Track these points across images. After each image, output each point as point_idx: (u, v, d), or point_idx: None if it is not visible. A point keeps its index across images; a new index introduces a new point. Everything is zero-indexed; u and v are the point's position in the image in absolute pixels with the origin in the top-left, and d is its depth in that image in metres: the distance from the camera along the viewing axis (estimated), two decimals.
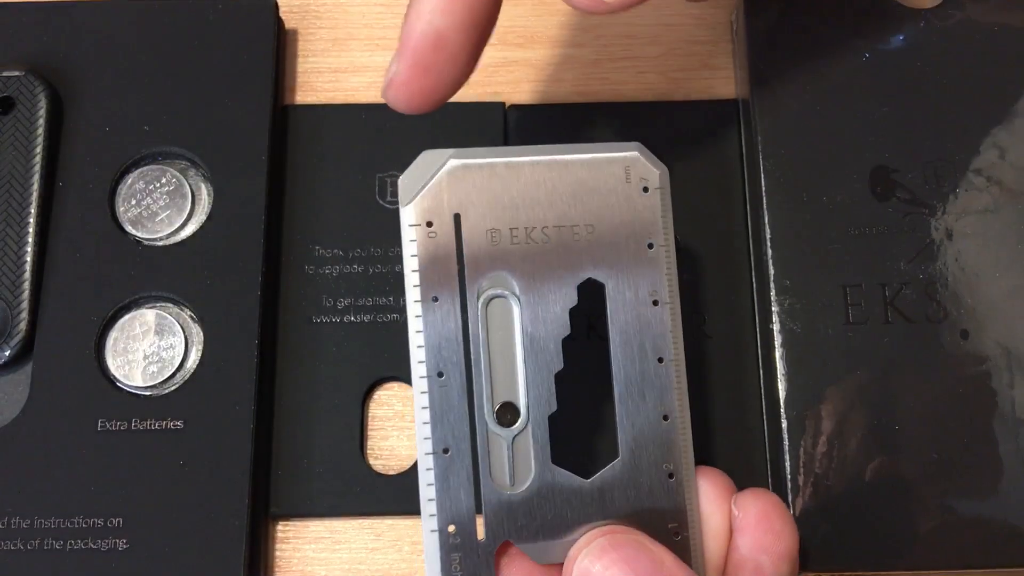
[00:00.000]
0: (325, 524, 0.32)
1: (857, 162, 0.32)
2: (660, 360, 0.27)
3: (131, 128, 0.33)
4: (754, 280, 0.33)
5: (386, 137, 0.34)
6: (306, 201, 0.34)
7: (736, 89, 0.35)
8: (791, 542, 0.26)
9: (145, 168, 0.33)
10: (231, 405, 0.31)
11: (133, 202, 0.33)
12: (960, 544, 0.29)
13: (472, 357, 0.26)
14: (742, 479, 0.31)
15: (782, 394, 0.30)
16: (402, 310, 0.33)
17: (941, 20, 0.33)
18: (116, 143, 0.33)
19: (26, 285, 0.31)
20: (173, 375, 0.32)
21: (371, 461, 0.32)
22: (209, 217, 0.33)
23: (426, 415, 0.26)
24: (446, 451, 0.25)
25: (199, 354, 0.32)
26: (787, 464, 0.30)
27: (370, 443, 0.32)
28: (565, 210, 0.27)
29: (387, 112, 0.34)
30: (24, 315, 0.31)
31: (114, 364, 0.31)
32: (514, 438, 0.26)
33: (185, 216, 0.33)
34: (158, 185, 0.33)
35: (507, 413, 0.26)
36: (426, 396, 0.26)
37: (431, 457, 0.25)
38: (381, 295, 0.33)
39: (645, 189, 0.27)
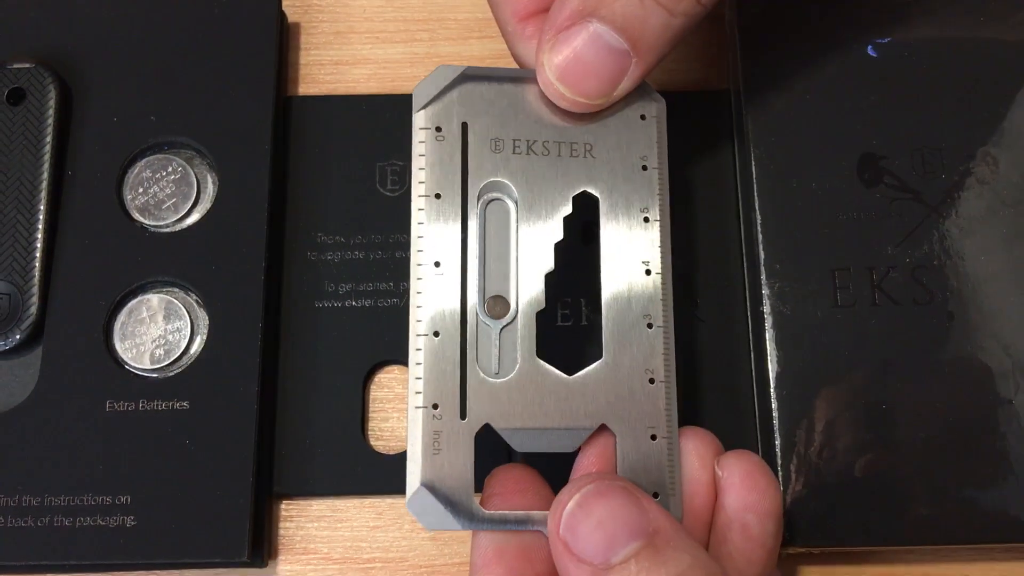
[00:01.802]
0: (327, 503, 0.33)
1: (845, 150, 0.33)
2: (647, 272, 0.28)
3: (138, 118, 0.34)
4: (745, 264, 0.34)
5: (386, 127, 0.35)
6: (308, 189, 0.35)
7: (728, 80, 0.36)
8: (775, 499, 0.27)
9: (152, 157, 0.34)
10: (236, 387, 0.32)
11: (140, 190, 0.34)
12: (947, 520, 0.30)
13: (468, 252, 0.27)
14: None
15: (772, 375, 0.31)
16: (402, 295, 0.34)
17: (929, 10, 0.34)
18: (123, 133, 0.34)
19: (36, 271, 0.32)
20: (179, 358, 0.32)
21: (372, 442, 0.33)
22: (214, 205, 0.34)
23: (420, 300, 0.27)
24: (436, 335, 0.27)
25: (204, 338, 0.32)
26: (777, 443, 0.31)
27: (371, 424, 0.33)
28: (566, 128, 0.28)
29: (387, 103, 0.36)
30: (34, 300, 0.32)
31: (122, 347, 0.32)
32: (502, 329, 0.27)
33: (191, 204, 0.34)
34: (164, 174, 0.34)
35: (497, 306, 0.27)
36: (422, 283, 0.27)
37: (422, 339, 0.26)
38: (381, 280, 0.34)
39: (643, 117, 0.29)
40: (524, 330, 0.27)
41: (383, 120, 0.35)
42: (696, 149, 0.35)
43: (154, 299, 0.33)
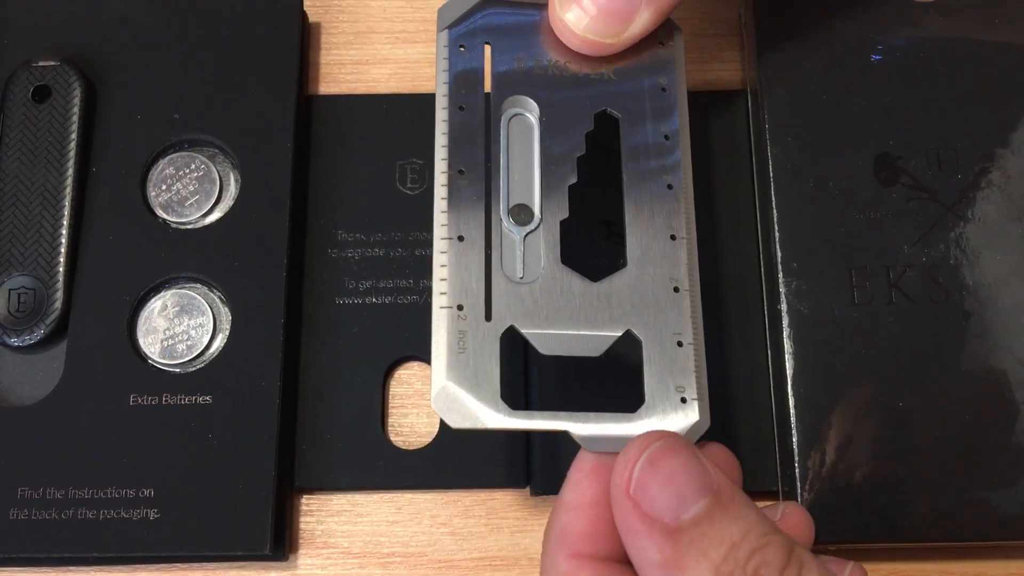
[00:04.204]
0: (347, 497, 0.33)
1: (862, 149, 0.33)
2: (669, 187, 0.28)
3: (162, 116, 0.35)
4: (762, 262, 0.34)
5: (406, 126, 0.36)
6: (329, 187, 0.35)
7: (744, 79, 0.36)
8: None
9: (175, 155, 0.35)
10: (258, 382, 0.32)
11: (163, 187, 0.34)
12: (965, 517, 0.30)
13: (491, 161, 0.28)
14: (751, 455, 0.32)
15: (790, 372, 0.31)
16: (422, 292, 0.34)
17: (944, 13, 0.35)
18: (147, 131, 0.34)
19: (61, 266, 0.33)
20: (202, 353, 0.33)
21: (392, 437, 0.33)
22: (236, 202, 0.34)
23: (444, 205, 0.27)
24: (461, 239, 0.27)
25: (227, 333, 0.33)
26: (795, 440, 0.31)
27: (391, 420, 0.33)
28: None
29: (407, 102, 0.36)
30: (59, 294, 0.32)
31: (145, 342, 0.33)
32: (526, 236, 0.28)
33: (213, 201, 0.34)
34: (187, 171, 0.34)
35: (521, 213, 0.28)
36: (446, 188, 0.27)
37: (446, 242, 0.27)
38: (401, 278, 0.34)
39: (661, 43, 0.30)
40: (548, 236, 0.28)
41: (403, 119, 0.36)
42: (713, 149, 0.36)
43: (177, 295, 0.33)
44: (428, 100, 0.35)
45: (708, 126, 0.36)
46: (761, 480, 0.32)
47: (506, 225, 0.28)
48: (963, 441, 0.31)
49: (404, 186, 0.35)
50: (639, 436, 0.25)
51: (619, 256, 0.28)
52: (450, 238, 0.27)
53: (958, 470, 0.31)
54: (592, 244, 0.33)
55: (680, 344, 0.27)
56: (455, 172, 0.27)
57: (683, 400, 0.27)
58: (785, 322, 0.32)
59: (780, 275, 0.32)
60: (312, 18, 0.37)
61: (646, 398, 0.26)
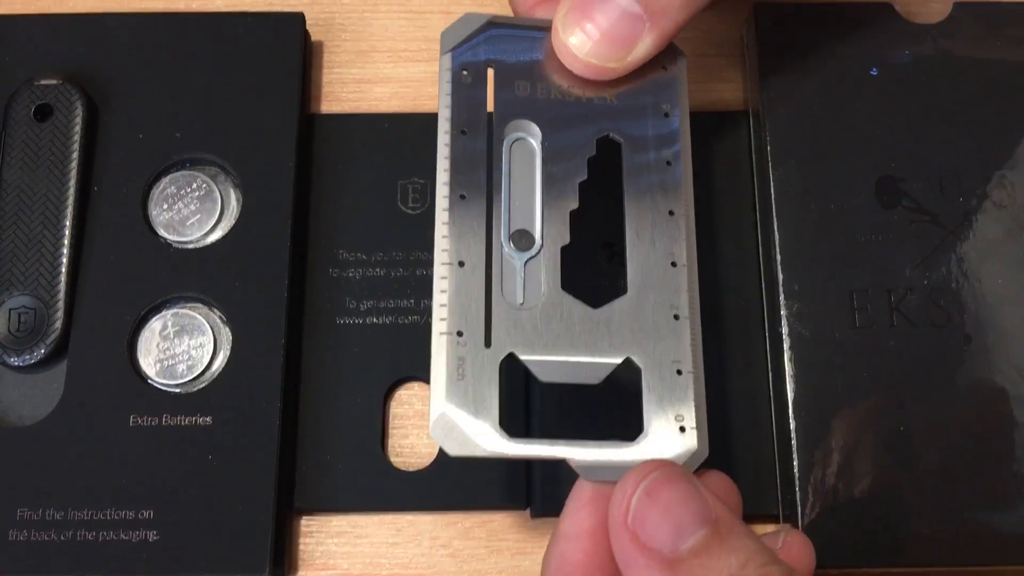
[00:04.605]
0: (347, 519, 0.33)
1: (864, 172, 0.33)
2: (671, 213, 0.28)
3: (164, 135, 0.34)
4: (763, 285, 0.34)
5: (408, 145, 0.36)
6: (331, 206, 0.35)
7: (746, 101, 0.36)
8: None
9: (177, 174, 0.34)
10: (258, 403, 0.32)
11: (165, 206, 0.34)
12: (966, 542, 0.30)
13: (493, 186, 0.28)
14: (752, 478, 0.32)
15: (791, 396, 0.31)
16: (423, 313, 0.34)
17: (945, 35, 0.35)
18: (149, 150, 0.34)
19: (61, 285, 0.33)
20: (202, 373, 0.33)
21: (392, 458, 0.33)
22: (238, 221, 0.34)
23: (446, 230, 0.27)
24: (462, 264, 0.27)
25: (227, 353, 0.33)
26: (796, 464, 0.31)
27: (391, 441, 0.33)
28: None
29: (409, 121, 0.36)
30: (59, 314, 0.32)
31: (146, 362, 0.33)
32: (527, 261, 0.28)
33: (215, 220, 0.34)
34: (189, 190, 0.34)
35: (522, 239, 0.28)
36: (447, 214, 0.27)
37: (447, 267, 0.27)
38: (403, 298, 0.34)
39: (664, 68, 0.30)
40: (549, 262, 0.28)
41: (405, 138, 0.36)
42: (714, 169, 0.35)
43: (178, 314, 0.33)
44: (430, 119, 0.35)
45: (710, 147, 0.36)
46: (762, 504, 0.32)
47: (507, 251, 0.28)
48: (965, 466, 0.31)
49: (406, 205, 0.35)
50: (637, 466, 0.25)
51: (620, 278, 0.28)
52: (451, 263, 0.27)
53: (960, 495, 0.30)
54: (594, 266, 0.33)
55: (679, 372, 0.27)
56: (457, 197, 0.27)
57: (682, 429, 0.26)
58: (786, 345, 0.32)
59: (781, 297, 0.32)
60: (314, 37, 0.37)
61: (645, 427, 0.26)
